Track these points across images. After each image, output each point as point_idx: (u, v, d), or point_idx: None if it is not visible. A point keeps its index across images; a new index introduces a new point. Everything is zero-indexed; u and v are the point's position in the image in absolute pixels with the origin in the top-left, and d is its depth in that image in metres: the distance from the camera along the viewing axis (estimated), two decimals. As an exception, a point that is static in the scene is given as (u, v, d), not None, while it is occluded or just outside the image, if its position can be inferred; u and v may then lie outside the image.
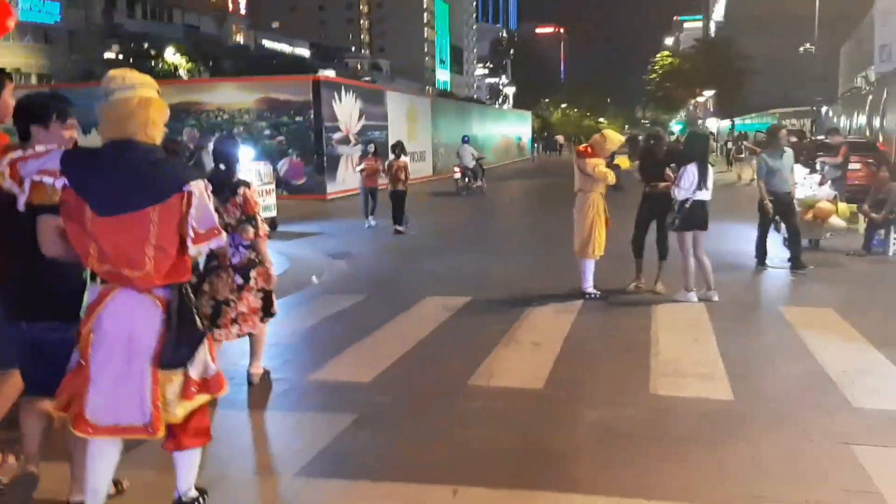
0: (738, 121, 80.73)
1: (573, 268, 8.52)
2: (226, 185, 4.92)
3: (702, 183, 7.91)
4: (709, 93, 72.73)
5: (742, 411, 4.75)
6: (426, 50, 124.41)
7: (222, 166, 5.09)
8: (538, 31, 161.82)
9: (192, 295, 3.21)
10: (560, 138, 64.96)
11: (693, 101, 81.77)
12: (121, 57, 61.67)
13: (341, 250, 11.93)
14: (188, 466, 3.32)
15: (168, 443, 3.21)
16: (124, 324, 3.05)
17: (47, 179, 3.09)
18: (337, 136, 22.26)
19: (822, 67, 54.50)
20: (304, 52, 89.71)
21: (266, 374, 5.50)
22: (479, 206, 20.36)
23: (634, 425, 4.55)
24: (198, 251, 3.12)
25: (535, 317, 7.42)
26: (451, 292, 8.62)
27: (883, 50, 26.41)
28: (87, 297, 3.19)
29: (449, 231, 14.82)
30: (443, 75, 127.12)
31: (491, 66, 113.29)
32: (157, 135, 3.14)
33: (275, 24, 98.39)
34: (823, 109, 58.19)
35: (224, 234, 3.22)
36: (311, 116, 21.35)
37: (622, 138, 8.44)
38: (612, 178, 8.07)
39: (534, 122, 64.00)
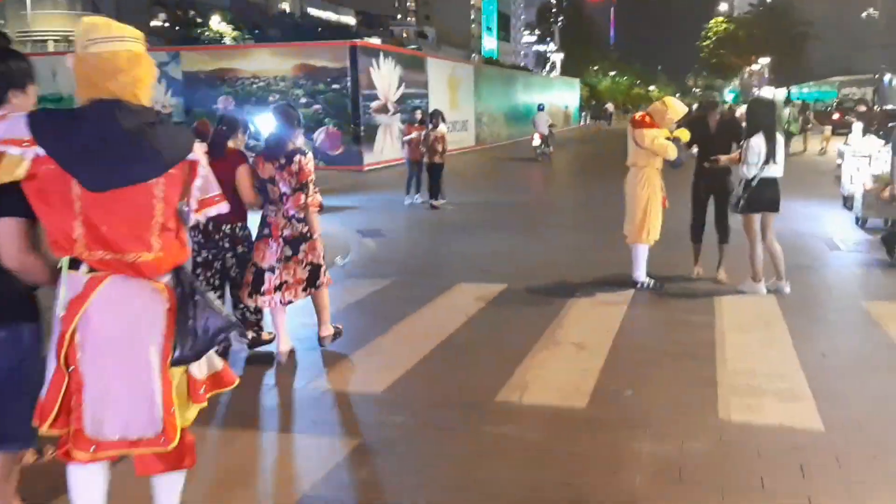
0: (794, 89, 77.70)
1: (623, 251, 7.57)
2: (280, 153, 4.89)
3: (770, 157, 6.87)
4: (764, 60, 69.83)
5: (838, 447, 3.79)
6: (472, 17, 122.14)
7: (274, 133, 4.99)
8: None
9: (194, 281, 2.66)
10: (610, 106, 63.03)
11: (748, 69, 78.79)
12: (167, 25, 61.79)
13: (373, 227, 11.12)
14: (174, 493, 2.75)
15: (154, 465, 2.67)
16: (121, 318, 2.50)
17: (13, 150, 2.41)
18: (375, 104, 21.38)
19: (885, 34, 51.71)
20: (350, 19, 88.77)
21: (338, 332, 5.49)
22: (529, 178, 19.38)
23: (702, 466, 3.64)
24: (197, 220, 2.77)
25: (578, 310, 6.52)
26: (486, 278, 7.75)
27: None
28: (65, 291, 2.50)
29: (490, 206, 13.89)
30: (489, 43, 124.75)
31: (538, 33, 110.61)
32: (144, 96, 2.53)
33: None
34: (886, 77, 55.45)
35: (226, 202, 2.83)
36: (349, 84, 20.50)
37: (685, 108, 7.42)
38: (672, 152, 7.07)
39: (582, 90, 62.18)
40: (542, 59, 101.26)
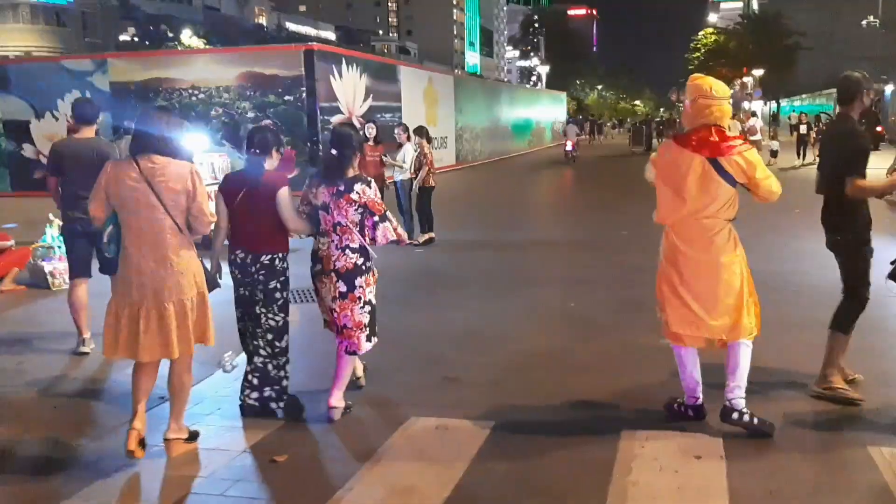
0: (785, 102, 75.38)
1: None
2: (339, 179, 4.35)
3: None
4: (758, 72, 67.30)
5: None
6: (455, 32, 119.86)
7: (333, 156, 4.41)
8: (570, 12, 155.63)
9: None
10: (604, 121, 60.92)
11: (739, 82, 76.46)
12: (136, 39, 58.69)
13: (304, 285, 7.82)
14: None
15: None
16: None
17: None
18: (337, 118, 18.20)
19: (884, 44, 49.14)
20: (330, 35, 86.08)
21: (348, 408, 4.48)
22: (523, 204, 16.24)
23: None
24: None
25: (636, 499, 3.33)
26: (458, 404, 4.58)
27: None
28: None
29: (475, 245, 10.70)
30: (472, 58, 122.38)
31: (522, 48, 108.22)
32: None
33: (301, 7, 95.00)
34: (888, 89, 53.21)
35: None
36: (304, 95, 17.35)
37: (728, 90, 4.34)
38: (777, 189, 3.96)
39: (569, 104, 59.47)
40: (526, 74, 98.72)
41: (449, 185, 18.67)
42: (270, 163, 4.47)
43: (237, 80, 17.70)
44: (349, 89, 18.92)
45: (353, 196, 4.32)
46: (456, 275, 8.69)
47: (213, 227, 3.94)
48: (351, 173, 4.39)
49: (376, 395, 4.79)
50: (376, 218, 4.39)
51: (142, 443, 3.84)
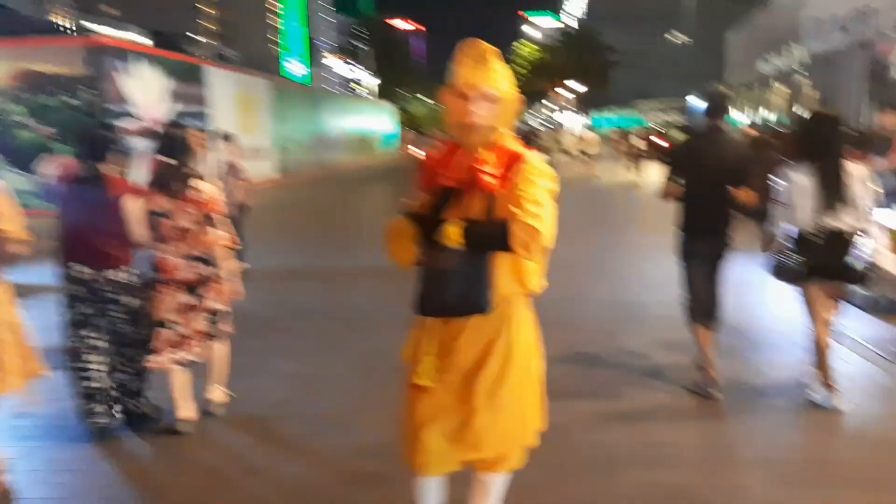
0: (595, 115, 78.88)
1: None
2: (173, 179, 4.23)
3: (832, 198, 4.20)
4: (579, 87, 69.93)
5: None
6: (277, 40, 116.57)
7: (170, 158, 4.26)
8: (396, 26, 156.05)
9: None
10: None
11: (555, 94, 79.19)
12: None
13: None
14: None
15: None
16: None
17: None
18: (129, 123, 15.84)
19: (688, 60, 52.17)
20: (143, 40, 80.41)
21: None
22: (353, 222, 14.69)
23: None
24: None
25: None
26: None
27: (820, 24, 21.70)
28: None
29: (308, 276, 9.09)
30: (298, 68, 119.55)
31: (348, 58, 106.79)
32: None
33: (112, 11, 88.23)
34: (692, 101, 56.73)
35: None
36: (88, 97, 14.91)
37: None
38: None
39: (401, 116, 58.87)
40: (352, 85, 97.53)
41: (266, 203, 16.75)
42: (108, 168, 4.21)
43: (7, 79, 14.97)
44: (146, 90, 16.60)
45: (192, 195, 4.18)
46: (271, 317, 7.07)
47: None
48: (186, 172, 4.24)
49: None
50: (203, 216, 4.24)
51: None
